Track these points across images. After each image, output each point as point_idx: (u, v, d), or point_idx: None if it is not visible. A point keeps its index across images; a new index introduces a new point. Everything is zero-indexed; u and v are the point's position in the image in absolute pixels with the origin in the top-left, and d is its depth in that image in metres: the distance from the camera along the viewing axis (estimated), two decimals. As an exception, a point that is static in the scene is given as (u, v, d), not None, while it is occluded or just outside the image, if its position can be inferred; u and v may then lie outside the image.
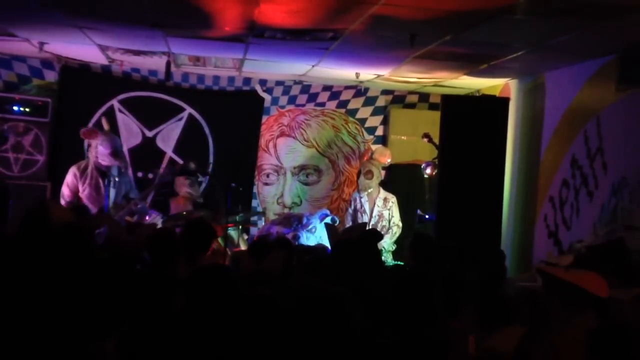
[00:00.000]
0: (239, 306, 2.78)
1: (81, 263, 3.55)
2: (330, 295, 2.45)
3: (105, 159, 6.78)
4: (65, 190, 6.86)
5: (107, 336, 2.83)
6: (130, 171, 8.21)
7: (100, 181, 6.81)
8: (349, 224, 7.29)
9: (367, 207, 7.28)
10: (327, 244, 6.43)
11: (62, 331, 2.74)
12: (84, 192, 6.79)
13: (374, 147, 8.60)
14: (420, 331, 2.96)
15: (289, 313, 2.53)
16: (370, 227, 7.11)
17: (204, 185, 8.33)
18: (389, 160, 7.57)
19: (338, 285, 3.14)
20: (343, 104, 8.91)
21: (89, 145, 7.16)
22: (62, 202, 6.83)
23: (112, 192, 6.82)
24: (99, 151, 6.81)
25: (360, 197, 7.33)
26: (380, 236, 5.47)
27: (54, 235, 3.96)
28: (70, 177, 6.86)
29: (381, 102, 8.95)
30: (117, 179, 6.88)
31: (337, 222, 7.20)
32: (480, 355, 2.91)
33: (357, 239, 5.06)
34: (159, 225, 6.77)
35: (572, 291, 2.72)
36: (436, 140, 6.90)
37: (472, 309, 3.28)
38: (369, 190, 7.26)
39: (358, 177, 7.37)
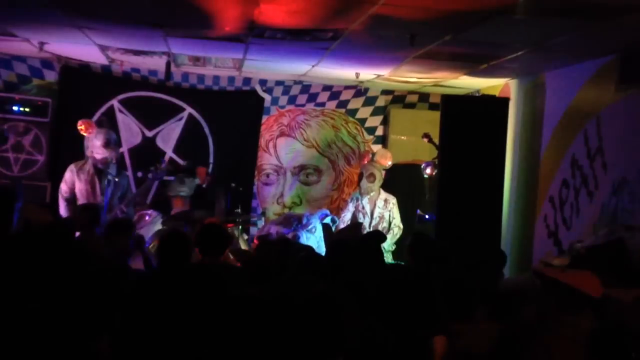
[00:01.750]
0: (229, 305, 2.78)
1: (72, 263, 3.56)
2: (324, 294, 2.46)
3: (98, 152, 6.78)
4: (63, 186, 6.86)
5: (100, 334, 2.84)
6: (130, 172, 8.22)
7: (97, 179, 6.81)
8: (348, 222, 7.28)
9: (368, 208, 7.27)
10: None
11: (57, 330, 2.74)
12: (78, 188, 6.80)
13: (374, 148, 8.61)
14: (419, 332, 2.96)
15: (281, 311, 2.53)
16: (371, 228, 7.12)
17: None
18: (389, 163, 7.56)
19: (338, 285, 3.13)
20: (343, 104, 8.92)
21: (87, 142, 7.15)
22: (60, 197, 6.84)
23: (109, 192, 6.82)
24: (93, 144, 6.81)
25: (361, 199, 7.32)
26: (383, 237, 5.47)
27: (36, 236, 3.97)
28: (68, 173, 6.87)
29: (381, 102, 8.95)
30: (116, 180, 6.88)
31: (337, 222, 7.20)
32: (454, 356, 2.89)
33: (361, 240, 5.06)
34: (159, 225, 6.79)
35: (566, 292, 2.73)
36: (436, 140, 6.90)
37: (483, 310, 3.27)
38: (372, 194, 7.24)
39: (360, 179, 7.35)
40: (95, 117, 8.15)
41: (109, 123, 7.30)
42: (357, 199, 7.35)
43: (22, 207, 4.66)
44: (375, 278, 3.76)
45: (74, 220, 5.97)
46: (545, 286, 2.80)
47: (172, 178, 7.78)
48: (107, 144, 6.79)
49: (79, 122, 6.97)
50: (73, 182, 6.83)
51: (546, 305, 2.80)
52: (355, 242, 4.89)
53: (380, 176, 7.27)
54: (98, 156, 6.80)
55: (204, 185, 7.81)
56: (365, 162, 7.56)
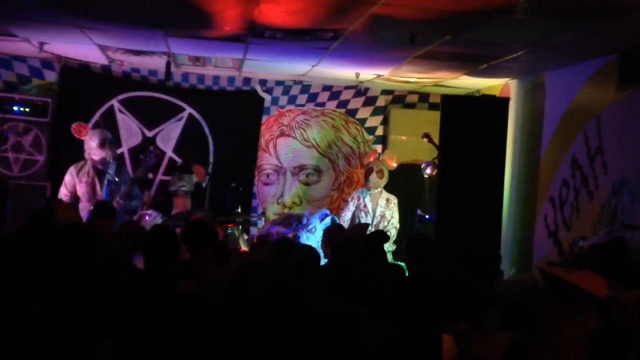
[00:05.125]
0: (235, 305, 2.78)
1: (81, 263, 3.55)
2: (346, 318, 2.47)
3: (95, 153, 6.80)
4: (62, 190, 6.87)
5: (104, 336, 2.83)
6: (129, 168, 8.22)
7: (97, 180, 6.83)
8: (347, 221, 7.30)
9: (370, 206, 7.30)
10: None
11: (61, 331, 2.74)
12: (80, 190, 6.80)
13: (377, 147, 8.61)
14: (420, 332, 2.96)
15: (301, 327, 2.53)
16: (373, 227, 7.13)
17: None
18: (394, 165, 7.60)
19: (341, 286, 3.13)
20: (343, 104, 8.91)
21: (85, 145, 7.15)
22: None
23: (108, 191, 6.82)
24: (89, 146, 6.84)
25: (364, 197, 7.35)
26: (386, 237, 5.49)
27: (57, 235, 3.96)
28: (67, 177, 6.88)
29: (381, 102, 8.95)
30: (116, 179, 6.88)
31: (337, 222, 7.20)
32: None
33: (364, 240, 5.05)
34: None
35: (572, 291, 2.72)
36: (436, 140, 6.90)
37: (495, 314, 3.26)
38: (379, 189, 7.32)
39: (369, 174, 7.38)
40: (95, 118, 8.16)
41: (105, 124, 7.30)
42: (359, 197, 7.38)
43: (12, 206, 4.63)
44: (379, 280, 3.76)
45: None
46: (549, 285, 2.80)
47: (169, 178, 7.78)
48: (102, 144, 6.81)
49: (72, 127, 6.97)
50: (73, 185, 6.84)
51: (549, 305, 2.79)
52: (359, 243, 4.89)
53: (387, 174, 7.36)
54: (95, 157, 6.82)
55: (203, 185, 7.79)
56: (372, 159, 7.58)
